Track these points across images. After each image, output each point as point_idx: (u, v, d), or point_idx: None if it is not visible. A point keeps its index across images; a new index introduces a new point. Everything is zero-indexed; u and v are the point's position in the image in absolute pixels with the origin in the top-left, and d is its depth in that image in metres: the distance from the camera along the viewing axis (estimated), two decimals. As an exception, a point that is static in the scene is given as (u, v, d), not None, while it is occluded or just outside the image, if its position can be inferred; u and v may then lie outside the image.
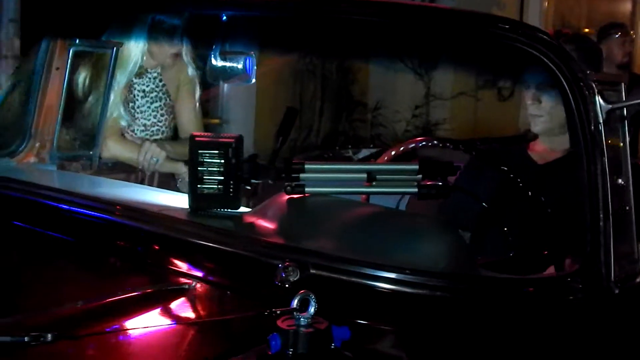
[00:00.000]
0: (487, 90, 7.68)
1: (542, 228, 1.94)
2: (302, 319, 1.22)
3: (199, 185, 1.83)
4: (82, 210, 1.82)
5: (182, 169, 3.16)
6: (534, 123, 2.41)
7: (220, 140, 1.84)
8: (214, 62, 2.11)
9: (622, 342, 1.65)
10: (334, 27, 2.04)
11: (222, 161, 1.83)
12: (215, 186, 1.83)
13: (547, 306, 1.58)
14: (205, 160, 1.83)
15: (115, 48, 2.84)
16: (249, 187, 1.86)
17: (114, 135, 3.19)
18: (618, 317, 1.66)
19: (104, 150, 3.02)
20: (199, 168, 1.83)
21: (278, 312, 1.22)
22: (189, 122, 3.39)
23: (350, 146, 4.14)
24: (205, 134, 1.88)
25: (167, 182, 3.19)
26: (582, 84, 1.67)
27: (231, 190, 1.83)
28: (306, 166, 1.83)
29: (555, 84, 1.70)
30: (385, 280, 1.50)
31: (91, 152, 2.91)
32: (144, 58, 3.22)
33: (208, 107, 6.21)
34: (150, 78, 3.28)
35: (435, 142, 1.99)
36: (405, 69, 7.26)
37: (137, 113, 3.26)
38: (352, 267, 1.52)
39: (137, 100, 3.27)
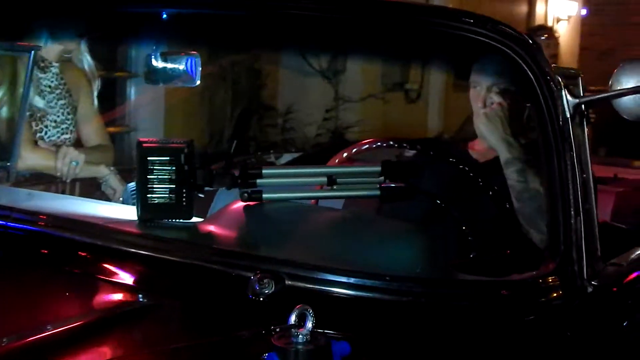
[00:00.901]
0: (395, 93, 7.72)
1: (501, 227, 1.90)
2: (300, 336, 1.12)
3: (148, 195, 1.71)
4: (21, 225, 1.67)
5: (104, 172, 3.01)
6: (483, 127, 2.34)
7: (171, 145, 1.72)
8: (153, 62, 1.98)
9: (600, 341, 1.62)
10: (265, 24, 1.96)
11: (174, 168, 1.71)
12: (167, 195, 1.71)
13: (526, 308, 1.53)
14: (155, 167, 1.70)
15: (33, 51, 2.66)
16: (202, 195, 1.74)
17: (27, 144, 3.01)
18: (593, 315, 1.62)
19: (19, 161, 2.84)
20: (148, 176, 1.70)
21: (277, 329, 1.11)
22: (90, 127, 3.23)
23: (272, 151, 4.05)
24: (153, 139, 1.75)
25: (90, 189, 3.03)
26: (549, 77, 1.63)
27: (184, 198, 1.71)
28: (264, 171, 1.73)
29: (521, 79, 1.65)
30: (367, 289, 1.42)
31: (8, 163, 2.73)
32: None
33: (115, 115, 6.00)
34: (53, 73, 3.11)
35: (391, 142, 1.93)
36: (313, 72, 7.22)
37: (47, 108, 3.08)
38: (331, 276, 1.43)
39: (46, 95, 3.09)
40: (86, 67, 3.23)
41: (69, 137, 3.12)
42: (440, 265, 1.62)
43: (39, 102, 3.06)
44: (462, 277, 1.57)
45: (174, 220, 1.72)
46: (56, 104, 3.10)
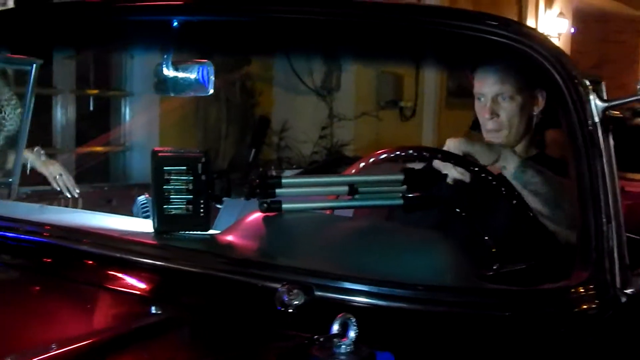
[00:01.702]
0: (389, 110, 7.70)
1: (523, 237, 1.85)
2: (342, 346, 1.07)
3: (165, 206, 1.65)
4: (33, 237, 1.61)
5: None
6: (492, 138, 2.31)
7: (188, 155, 1.66)
8: (164, 72, 1.93)
9: (634, 353, 1.57)
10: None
11: (191, 178, 1.65)
12: (184, 206, 1.65)
13: (560, 318, 1.48)
14: (171, 178, 1.65)
15: (34, 65, 2.61)
16: (219, 206, 1.69)
17: None
18: (627, 326, 1.58)
19: None
20: (164, 187, 1.65)
21: (321, 339, 1.06)
22: None
23: (273, 167, 4.00)
24: (168, 148, 1.69)
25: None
26: (577, 81, 1.59)
27: (201, 209, 1.66)
28: (283, 181, 1.67)
29: (548, 83, 1.62)
30: (399, 300, 1.37)
31: (10, 180, 2.67)
32: None
33: (110, 134, 5.96)
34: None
35: (411, 151, 1.88)
36: (307, 90, 7.20)
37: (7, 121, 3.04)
38: (361, 286, 1.37)
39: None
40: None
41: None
42: (468, 275, 1.57)
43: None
44: (493, 286, 1.52)
45: (191, 232, 1.67)
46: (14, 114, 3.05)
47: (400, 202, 1.71)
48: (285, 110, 7.01)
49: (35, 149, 3.02)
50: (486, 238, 1.87)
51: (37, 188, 2.94)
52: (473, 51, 1.94)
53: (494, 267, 1.81)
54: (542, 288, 1.51)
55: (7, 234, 1.65)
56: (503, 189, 1.85)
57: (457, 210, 1.87)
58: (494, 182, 1.86)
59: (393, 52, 2.28)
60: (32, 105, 2.68)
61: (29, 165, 2.94)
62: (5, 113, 3.04)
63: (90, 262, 1.55)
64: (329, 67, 7.25)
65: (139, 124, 5.93)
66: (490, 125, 2.29)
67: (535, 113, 2.31)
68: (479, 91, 2.31)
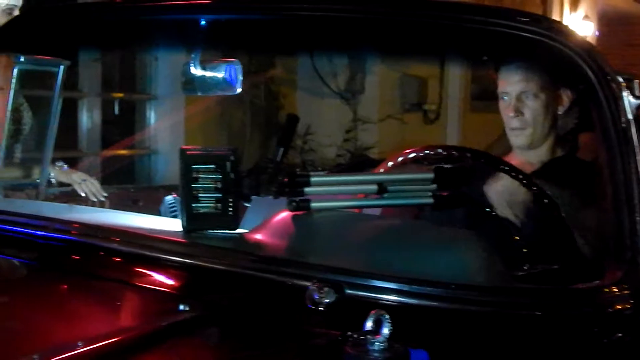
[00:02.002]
0: (413, 113, 7.67)
1: (558, 238, 1.83)
2: (376, 343, 1.05)
3: (193, 204, 1.64)
4: (62, 235, 1.61)
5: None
6: (515, 137, 2.29)
7: (216, 153, 1.66)
8: (192, 71, 1.93)
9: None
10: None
11: (220, 176, 1.64)
12: (213, 204, 1.65)
13: (594, 318, 1.46)
14: (200, 176, 1.64)
15: (62, 66, 2.62)
16: (248, 205, 1.68)
17: None
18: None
19: None
20: (193, 185, 1.64)
21: (354, 336, 1.04)
22: None
23: (297, 170, 3.98)
24: (196, 147, 1.69)
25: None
26: (610, 78, 1.57)
27: (230, 208, 1.65)
28: (312, 179, 1.66)
29: (581, 80, 1.59)
30: (431, 298, 1.35)
31: (38, 180, 2.69)
32: None
33: (135, 137, 5.98)
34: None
35: (440, 150, 1.86)
36: (331, 93, 7.19)
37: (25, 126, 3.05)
38: (393, 284, 1.36)
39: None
40: None
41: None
42: (500, 274, 1.55)
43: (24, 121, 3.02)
44: (526, 285, 1.49)
45: (219, 230, 1.66)
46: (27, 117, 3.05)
47: (430, 200, 1.69)
48: (310, 113, 7.00)
49: (56, 163, 3.02)
50: (517, 238, 1.85)
51: (65, 189, 2.95)
52: (501, 48, 1.91)
53: (525, 267, 1.79)
54: (575, 287, 1.48)
55: (36, 232, 1.66)
56: (534, 188, 1.83)
57: (487, 209, 1.85)
58: (525, 182, 1.84)
59: (420, 50, 2.26)
60: (59, 106, 2.70)
61: (53, 181, 2.94)
62: (23, 118, 3.04)
63: (119, 259, 1.55)
64: (353, 70, 7.25)
65: (164, 127, 5.95)
66: (514, 124, 2.27)
67: (560, 112, 2.29)
68: (503, 90, 2.29)
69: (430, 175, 1.69)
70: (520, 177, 1.82)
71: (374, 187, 1.68)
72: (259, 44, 2.47)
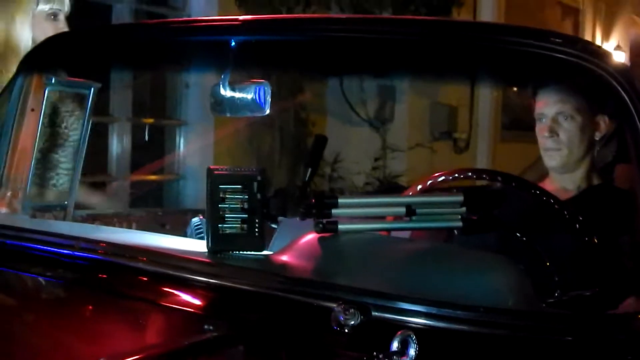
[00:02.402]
0: (443, 142, 7.64)
1: (591, 264, 1.79)
2: (403, 365, 1.02)
3: (219, 225, 1.63)
4: (87, 254, 1.60)
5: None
6: (550, 158, 2.28)
7: (244, 173, 1.64)
8: (221, 92, 1.92)
9: None
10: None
11: (246, 197, 1.63)
12: (238, 225, 1.63)
13: (627, 346, 1.41)
14: (227, 196, 1.63)
15: (92, 88, 2.63)
16: (275, 226, 1.66)
17: None
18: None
19: None
20: (219, 205, 1.63)
21: (380, 356, 1.01)
22: None
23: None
24: (223, 167, 1.68)
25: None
26: (645, 101, 1.54)
27: (256, 229, 1.63)
28: (340, 200, 1.64)
29: (614, 101, 1.57)
30: (460, 322, 1.32)
31: (66, 202, 2.68)
32: None
33: (164, 162, 6.00)
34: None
35: (470, 173, 1.84)
36: (361, 121, 7.19)
37: (61, 156, 2.99)
38: (421, 307, 1.33)
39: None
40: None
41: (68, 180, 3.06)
42: (531, 300, 1.51)
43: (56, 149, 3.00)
44: (558, 311, 1.46)
45: (245, 252, 1.64)
46: (77, 124, 3.03)
47: (460, 224, 1.66)
48: (338, 140, 6.99)
49: None
50: (548, 264, 1.81)
51: (93, 212, 2.95)
52: (537, 70, 1.89)
53: (557, 294, 1.75)
54: (608, 314, 1.44)
55: (62, 250, 1.65)
56: (566, 213, 1.79)
57: (518, 234, 1.81)
58: (557, 206, 1.80)
59: (451, 72, 2.25)
60: (89, 128, 2.70)
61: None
62: (67, 123, 3.04)
63: (144, 278, 1.53)
64: (382, 97, 7.25)
65: (193, 152, 5.97)
66: (549, 144, 2.27)
67: (597, 138, 2.27)
68: (540, 112, 2.29)
69: (460, 198, 1.66)
70: (552, 201, 1.78)
71: (402, 209, 1.66)
72: (291, 66, 2.47)
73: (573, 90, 2.15)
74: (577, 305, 1.69)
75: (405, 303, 1.34)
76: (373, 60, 2.09)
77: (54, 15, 2.94)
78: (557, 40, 1.55)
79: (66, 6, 2.98)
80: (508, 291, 1.45)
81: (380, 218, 1.70)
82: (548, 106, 2.23)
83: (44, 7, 2.93)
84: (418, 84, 6.81)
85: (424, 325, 1.32)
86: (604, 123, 2.24)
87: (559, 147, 2.24)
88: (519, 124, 7.61)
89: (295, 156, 6.60)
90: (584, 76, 1.57)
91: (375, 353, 1.06)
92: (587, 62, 1.53)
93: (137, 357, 1.19)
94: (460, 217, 1.66)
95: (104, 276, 1.58)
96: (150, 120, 5.91)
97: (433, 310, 1.33)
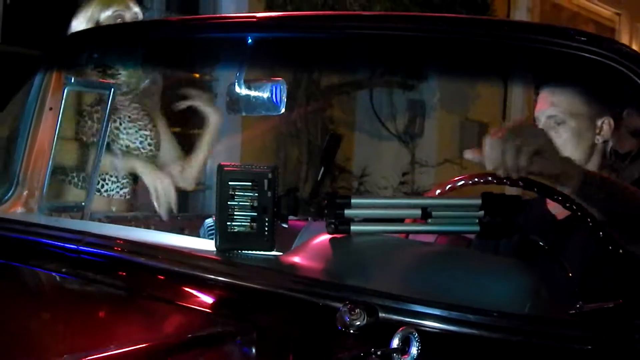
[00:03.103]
0: (473, 158, 7.53)
1: (614, 273, 1.71)
2: (404, 363, 0.97)
3: (228, 223, 1.58)
4: (92, 249, 1.56)
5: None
6: None
7: (255, 170, 1.60)
8: (236, 90, 1.89)
9: None
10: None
11: (257, 195, 1.58)
12: (248, 224, 1.58)
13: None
14: (236, 193, 1.58)
15: (112, 89, 2.60)
16: (285, 225, 1.61)
17: None
18: None
19: None
20: (229, 202, 1.58)
21: (378, 352, 0.96)
22: (170, 157, 3.18)
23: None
24: (234, 163, 1.63)
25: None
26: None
27: (266, 228, 1.58)
28: (352, 201, 1.59)
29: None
30: (469, 325, 1.26)
31: (83, 203, 2.66)
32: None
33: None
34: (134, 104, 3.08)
35: (490, 178, 1.78)
36: (389, 135, 7.13)
37: (122, 134, 3.04)
38: (431, 309, 1.27)
39: (124, 122, 3.05)
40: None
41: (128, 191, 3.07)
42: (547, 307, 1.45)
43: (113, 132, 3.02)
44: (579, 318, 1.39)
45: (253, 252, 1.60)
46: (136, 132, 3.04)
47: (477, 228, 1.60)
48: (366, 155, 6.95)
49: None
50: (569, 273, 1.74)
51: (110, 214, 2.93)
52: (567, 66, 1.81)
53: (578, 305, 1.68)
54: (630, 322, 1.37)
55: (75, 246, 1.62)
56: (589, 220, 1.72)
57: (538, 241, 1.75)
58: (580, 213, 1.73)
59: (481, 69, 2.17)
60: (108, 130, 2.68)
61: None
62: (120, 123, 3.05)
63: (155, 275, 1.50)
64: (412, 112, 7.19)
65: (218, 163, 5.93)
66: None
67: (598, 142, 2.13)
68: (535, 114, 2.17)
69: (478, 202, 1.60)
70: (575, 207, 1.71)
71: (418, 211, 1.60)
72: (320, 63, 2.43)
73: (569, 92, 2.05)
74: (599, 316, 1.62)
75: (414, 304, 1.29)
76: (401, 58, 2.04)
77: (120, 18, 2.99)
78: (582, 38, 1.49)
79: (132, 9, 3.02)
80: (523, 297, 1.39)
81: (396, 220, 1.65)
82: (542, 109, 2.13)
83: (107, 13, 2.98)
84: (448, 100, 6.75)
85: (434, 328, 1.27)
86: (607, 126, 2.12)
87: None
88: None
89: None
90: (609, 76, 1.50)
91: (373, 349, 1.00)
92: (612, 62, 1.47)
93: (142, 345, 1.15)
94: (477, 220, 1.60)
95: (117, 273, 1.54)
96: (177, 130, 5.90)
97: (443, 313, 1.27)
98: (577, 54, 1.49)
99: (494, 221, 1.60)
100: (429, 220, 1.59)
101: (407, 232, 1.68)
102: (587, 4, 8.76)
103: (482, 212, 1.60)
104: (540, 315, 1.34)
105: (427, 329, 1.25)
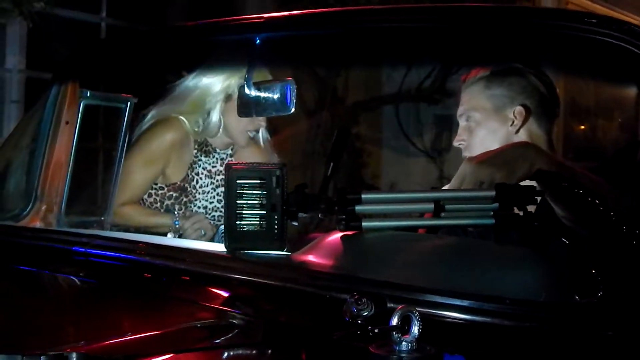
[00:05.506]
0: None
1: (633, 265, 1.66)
2: (404, 343, 0.93)
3: (237, 222, 1.55)
4: (101, 252, 1.55)
5: None
6: None
7: (263, 168, 1.57)
8: (246, 91, 1.87)
9: None
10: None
11: (265, 192, 1.56)
12: (257, 222, 1.56)
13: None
14: (244, 191, 1.56)
15: (129, 103, 2.60)
16: (295, 223, 1.58)
17: (133, 204, 2.94)
18: None
19: (117, 216, 2.77)
20: (237, 201, 1.56)
21: (376, 330, 0.92)
22: None
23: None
24: (243, 162, 1.61)
25: None
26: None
27: (276, 226, 1.55)
28: (363, 196, 1.55)
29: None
30: (481, 313, 1.22)
31: (102, 218, 2.65)
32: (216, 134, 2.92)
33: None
34: (217, 158, 2.94)
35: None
36: (417, 151, 7.09)
37: (198, 193, 2.94)
38: (441, 299, 1.23)
39: (201, 179, 2.94)
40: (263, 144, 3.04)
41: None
42: (564, 298, 1.40)
43: (189, 186, 2.93)
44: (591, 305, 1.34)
45: (263, 251, 1.57)
46: (213, 190, 2.94)
47: (491, 221, 1.56)
48: (394, 171, 6.91)
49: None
50: (587, 265, 1.69)
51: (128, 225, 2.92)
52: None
53: (599, 296, 1.63)
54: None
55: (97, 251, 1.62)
56: (611, 213, 1.67)
57: (553, 235, 1.70)
58: (596, 203, 1.68)
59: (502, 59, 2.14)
60: (126, 144, 2.68)
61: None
62: (196, 181, 2.95)
63: (158, 273, 1.49)
64: (439, 128, 7.15)
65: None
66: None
67: (514, 131, 2.12)
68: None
69: (492, 194, 1.56)
70: (591, 199, 1.66)
71: (431, 205, 1.56)
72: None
73: (473, 89, 2.06)
74: (620, 302, 1.57)
75: (425, 295, 1.25)
76: (412, 49, 2.03)
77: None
78: (591, 20, 1.46)
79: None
80: (538, 287, 1.35)
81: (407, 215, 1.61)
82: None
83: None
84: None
85: (444, 317, 1.23)
86: (519, 115, 2.11)
87: (464, 153, 2.13)
88: (582, 154, 7.40)
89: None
90: (623, 58, 1.46)
91: (370, 327, 0.97)
92: (624, 43, 1.43)
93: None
94: (492, 213, 1.56)
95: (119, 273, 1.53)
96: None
97: (456, 301, 1.23)
98: (592, 38, 1.46)
99: (510, 214, 1.56)
100: (442, 214, 1.56)
101: (420, 227, 1.64)
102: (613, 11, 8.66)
103: (496, 205, 1.56)
104: (561, 302, 1.30)
105: (438, 318, 1.22)
